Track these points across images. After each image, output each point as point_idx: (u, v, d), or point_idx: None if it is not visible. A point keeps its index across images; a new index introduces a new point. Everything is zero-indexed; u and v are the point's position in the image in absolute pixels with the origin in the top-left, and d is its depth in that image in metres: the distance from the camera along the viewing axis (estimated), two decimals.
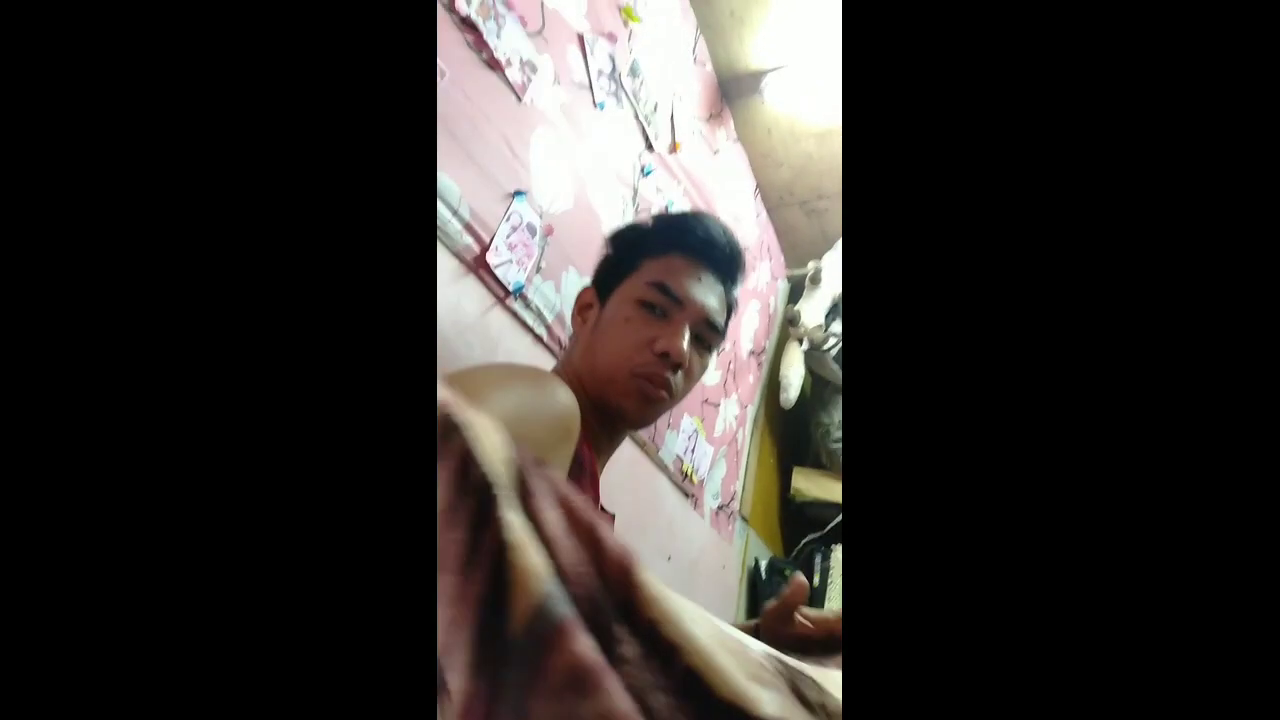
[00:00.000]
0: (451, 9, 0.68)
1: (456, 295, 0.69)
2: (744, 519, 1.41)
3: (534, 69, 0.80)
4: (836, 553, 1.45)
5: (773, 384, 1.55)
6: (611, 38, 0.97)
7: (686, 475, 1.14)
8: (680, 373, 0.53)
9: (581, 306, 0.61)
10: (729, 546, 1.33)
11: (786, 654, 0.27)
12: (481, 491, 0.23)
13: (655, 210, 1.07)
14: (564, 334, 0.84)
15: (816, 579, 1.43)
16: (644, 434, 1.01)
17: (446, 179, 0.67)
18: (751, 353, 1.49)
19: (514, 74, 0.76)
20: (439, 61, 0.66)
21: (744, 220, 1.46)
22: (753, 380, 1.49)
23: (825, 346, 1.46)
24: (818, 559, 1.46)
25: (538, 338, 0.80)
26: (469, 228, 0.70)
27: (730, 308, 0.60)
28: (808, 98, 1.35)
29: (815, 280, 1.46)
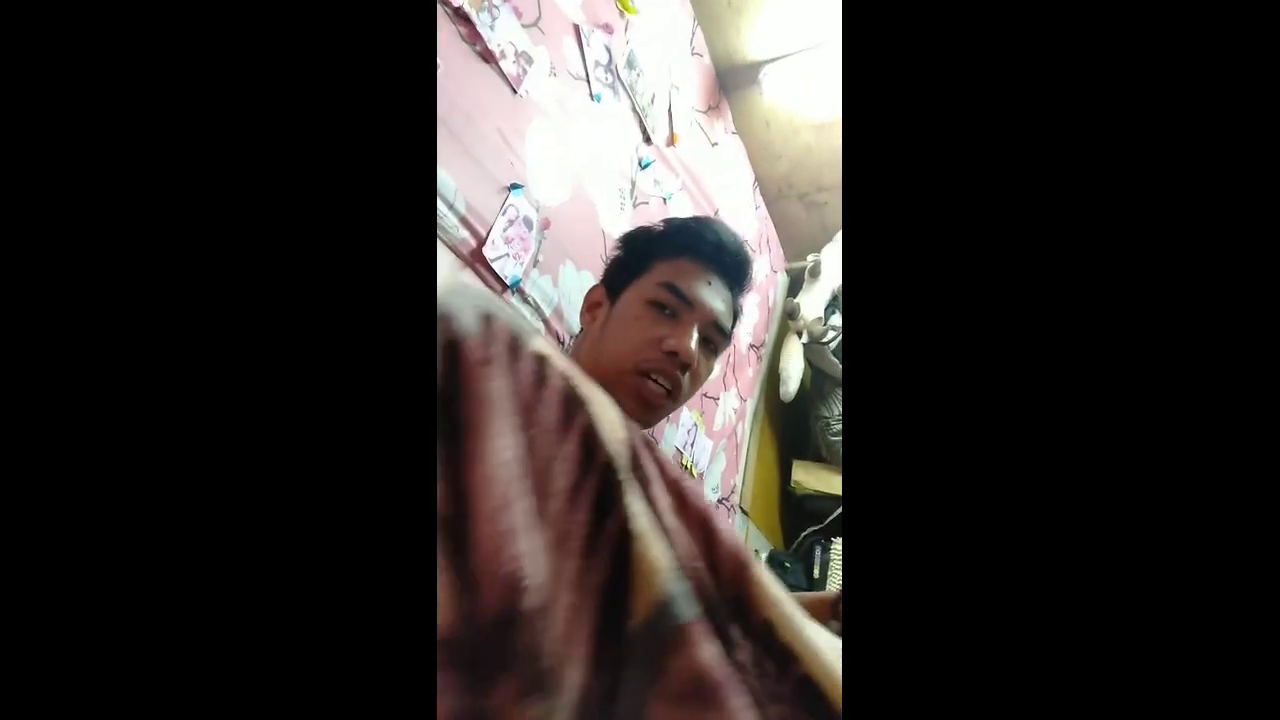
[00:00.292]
0: (444, 1, 0.68)
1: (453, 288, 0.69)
2: (744, 512, 1.42)
3: (529, 61, 0.79)
4: (836, 545, 1.45)
5: (772, 377, 1.55)
6: (608, 29, 0.96)
7: (686, 468, 1.14)
8: (687, 373, 0.54)
9: (590, 304, 0.61)
10: None
11: None
12: (605, 473, 0.23)
13: (653, 203, 1.06)
14: (561, 328, 0.84)
15: (816, 571, 1.43)
16: None
17: (442, 173, 0.66)
18: (751, 346, 1.49)
19: (509, 66, 0.75)
20: None
21: (742, 213, 1.45)
22: (752, 373, 1.49)
23: (824, 339, 1.46)
24: (817, 551, 1.47)
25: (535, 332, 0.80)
26: (465, 221, 0.69)
27: (736, 313, 0.61)
28: (806, 89, 1.34)
29: (814, 273, 1.45)
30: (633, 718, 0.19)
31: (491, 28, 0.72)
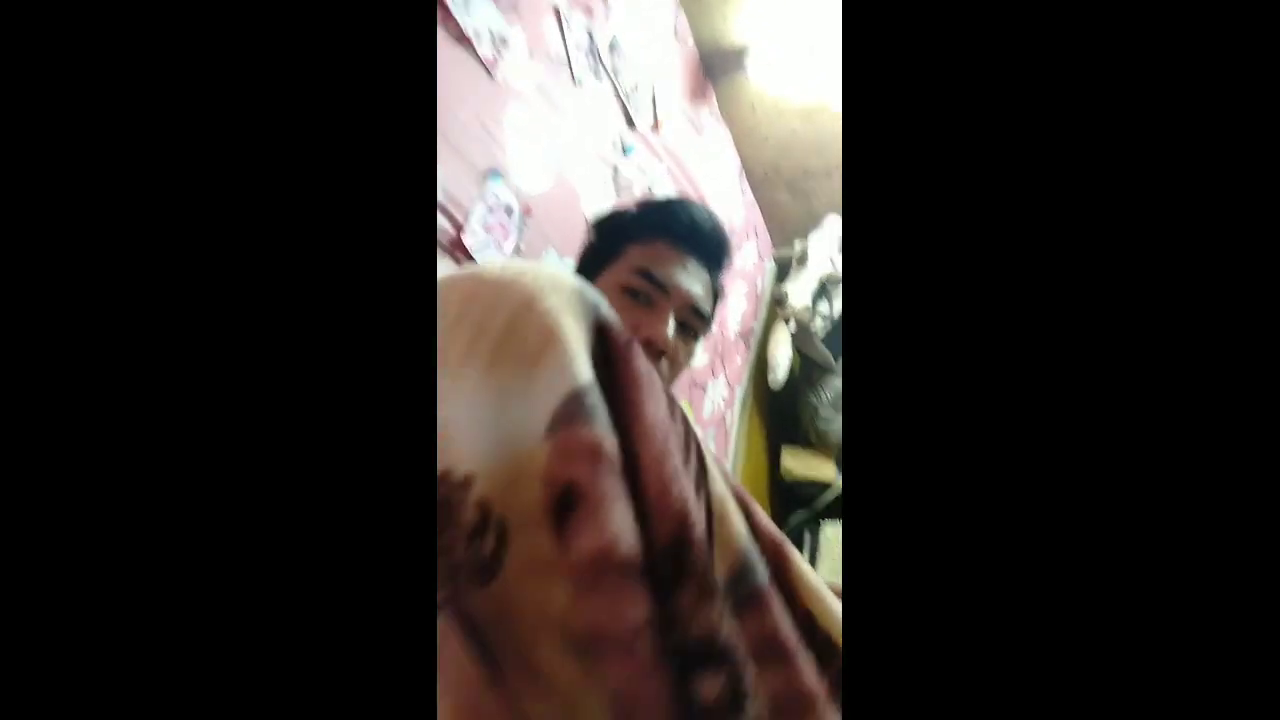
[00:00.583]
0: None
1: None
2: None
3: (505, 43, 0.77)
4: (825, 529, 1.46)
5: (761, 364, 1.55)
6: (589, 11, 0.94)
7: None
8: (665, 362, 0.53)
9: None
10: None
11: None
12: (697, 444, 0.27)
13: (638, 191, 1.05)
14: None
15: (806, 556, 1.44)
16: None
17: None
18: (739, 334, 1.49)
19: (484, 49, 0.74)
20: None
21: (729, 200, 1.44)
22: (740, 361, 1.49)
23: (813, 327, 1.46)
24: (807, 536, 1.48)
25: None
26: (443, 209, 0.68)
27: (717, 294, 0.60)
28: (793, 73, 1.33)
29: (802, 260, 1.45)
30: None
31: (465, 9, 0.71)
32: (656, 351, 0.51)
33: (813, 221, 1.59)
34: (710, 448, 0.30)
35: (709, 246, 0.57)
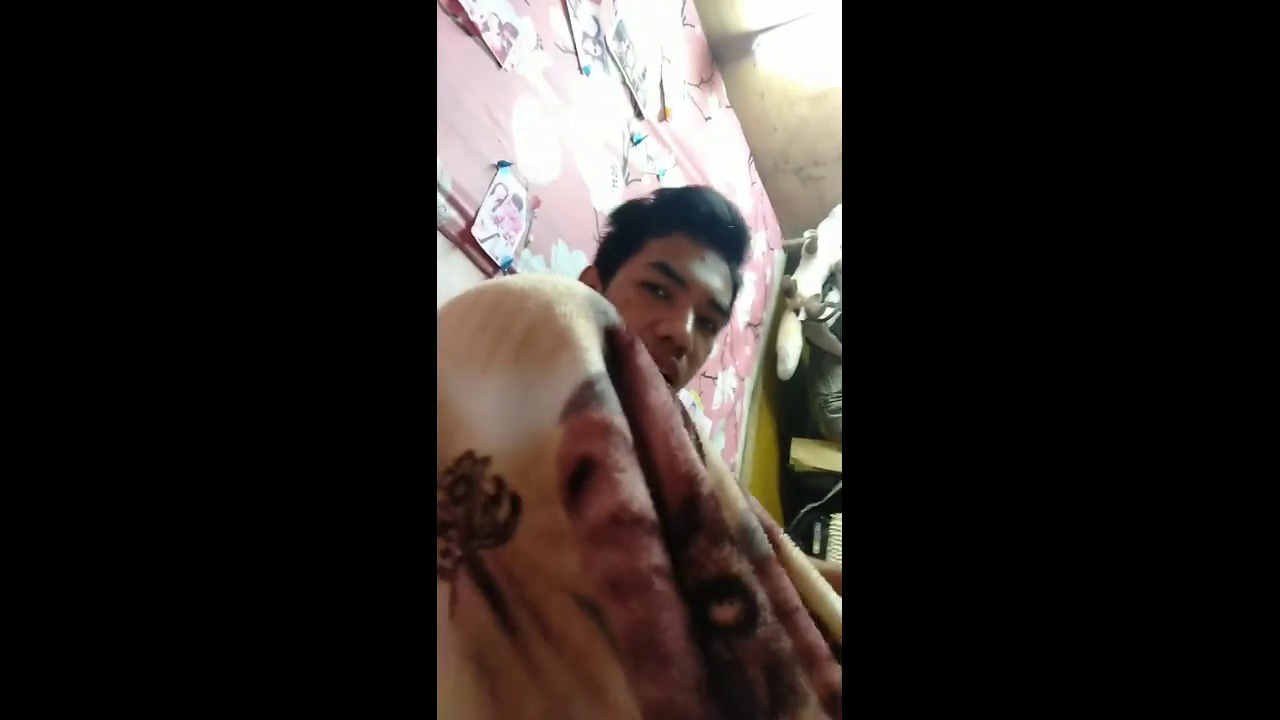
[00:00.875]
0: None
1: (444, 271, 0.67)
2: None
3: (514, 32, 0.76)
4: (835, 521, 1.46)
5: (770, 355, 1.54)
6: None
7: None
8: (684, 357, 0.52)
9: None
10: None
11: None
12: (697, 439, 0.31)
13: (646, 180, 1.04)
14: None
15: (816, 547, 1.44)
16: None
17: None
18: (749, 324, 1.48)
19: (492, 39, 0.73)
20: None
21: (738, 189, 1.43)
22: (750, 352, 1.48)
23: (822, 316, 1.45)
24: (817, 528, 1.48)
25: None
26: (452, 201, 0.68)
27: (736, 286, 0.59)
28: (801, 59, 1.31)
29: (811, 250, 1.43)
30: None
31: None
32: (676, 348, 0.51)
33: (822, 210, 1.58)
34: (708, 438, 0.33)
35: (728, 238, 0.56)
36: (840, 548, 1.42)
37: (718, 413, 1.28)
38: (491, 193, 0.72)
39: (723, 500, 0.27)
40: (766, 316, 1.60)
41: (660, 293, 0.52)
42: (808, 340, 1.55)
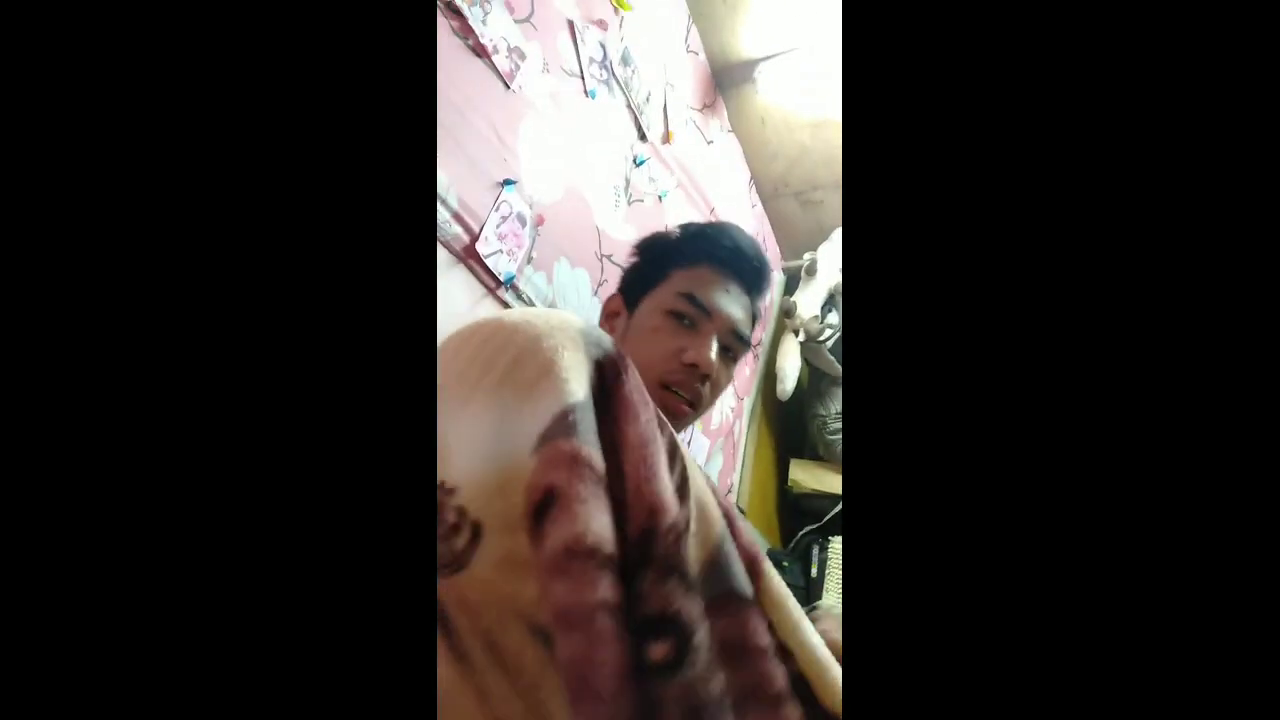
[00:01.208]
0: None
1: (447, 285, 0.68)
2: (741, 511, 1.41)
3: (522, 56, 0.79)
4: (834, 544, 1.45)
5: (769, 376, 1.54)
6: (602, 25, 0.96)
7: None
8: (708, 383, 0.54)
9: (609, 314, 0.61)
10: None
11: None
12: (681, 459, 0.30)
13: (648, 201, 1.06)
14: None
15: (814, 570, 1.43)
16: None
17: None
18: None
19: (501, 61, 0.75)
20: None
21: (739, 212, 1.45)
22: (749, 372, 1.49)
23: (821, 338, 1.46)
24: (815, 550, 1.46)
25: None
26: (458, 217, 0.69)
27: (756, 317, 0.60)
28: (802, 87, 1.34)
29: (811, 272, 1.45)
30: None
31: (484, 22, 0.72)
32: (701, 375, 0.52)
33: (821, 234, 1.60)
34: (697, 467, 0.32)
35: (750, 271, 0.58)
36: (838, 571, 1.40)
37: (716, 432, 1.28)
38: (496, 209, 0.73)
39: (695, 531, 0.27)
40: (766, 337, 1.60)
41: (686, 321, 0.54)
42: (806, 361, 1.56)
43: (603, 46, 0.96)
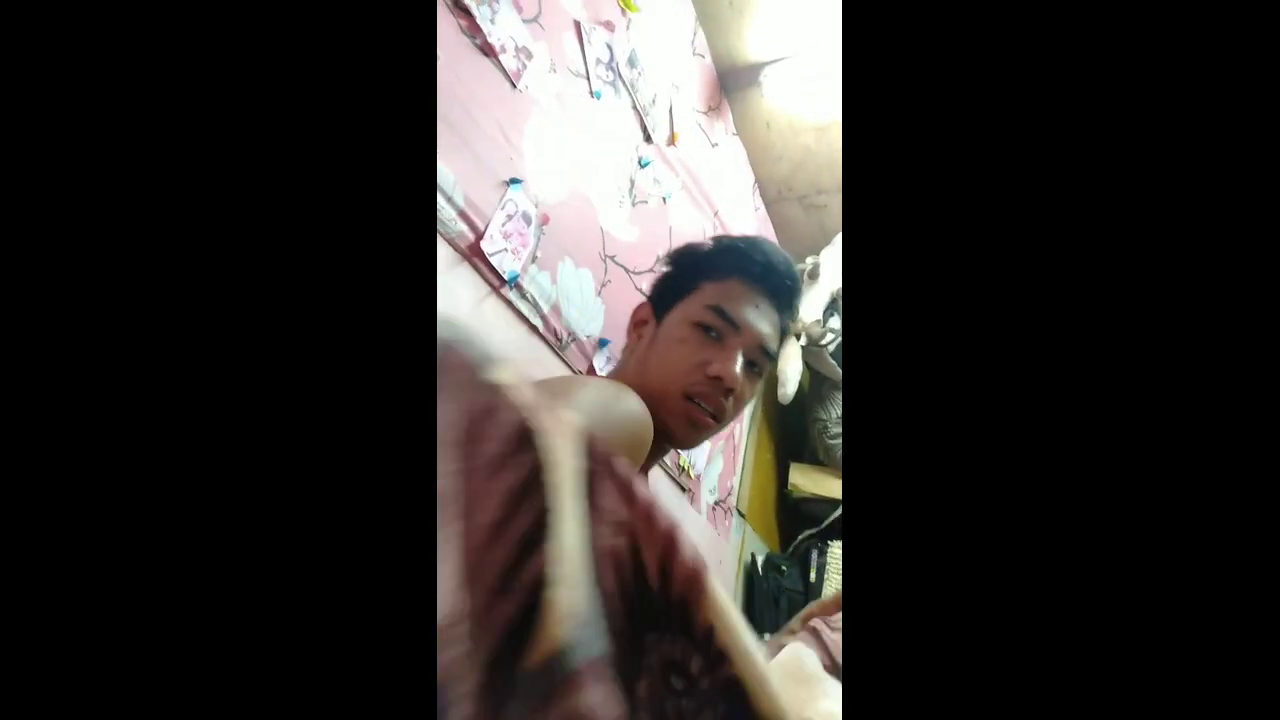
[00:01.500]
0: None
1: (451, 283, 0.68)
2: (741, 514, 1.41)
3: (529, 56, 0.79)
4: (833, 548, 1.44)
5: (770, 379, 1.54)
6: (609, 26, 0.96)
7: (683, 470, 1.13)
8: (731, 397, 0.53)
9: (637, 322, 0.61)
10: (725, 542, 1.32)
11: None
12: (539, 515, 0.23)
13: (652, 202, 1.06)
14: (559, 324, 0.83)
15: (813, 574, 1.42)
16: None
17: (441, 166, 0.66)
18: None
19: (509, 60, 0.75)
20: None
21: (742, 215, 1.45)
22: None
23: (823, 342, 1.46)
24: (814, 555, 1.46)
25: (533, 328, 0.79)
26: (463, 215, 0.69)
27: (783, 333, 0.60)
28: (807, 91, 1.34)
29: (813, 276, 1.45)
30: None
31: (492, 21, 0.72)
32: (725, 389, 0.52)
33: (824, 238, 1.60)
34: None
35: (780, 287, 0.58)
36: (838, 576, 1.40)
37: (717, 436, 1.28)
38: (501, 208, 0.73)
39: (546, 619, 0.21)
40: None
41: (713, 334, 0.53)
42: (808, 365, 1.56)
43: (609, 48, 0.96)
